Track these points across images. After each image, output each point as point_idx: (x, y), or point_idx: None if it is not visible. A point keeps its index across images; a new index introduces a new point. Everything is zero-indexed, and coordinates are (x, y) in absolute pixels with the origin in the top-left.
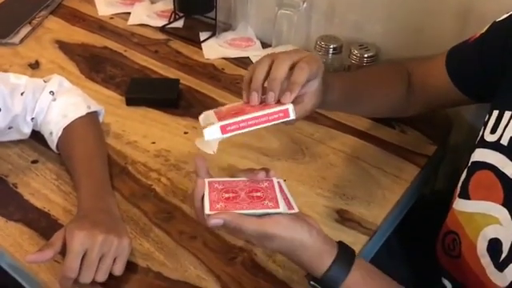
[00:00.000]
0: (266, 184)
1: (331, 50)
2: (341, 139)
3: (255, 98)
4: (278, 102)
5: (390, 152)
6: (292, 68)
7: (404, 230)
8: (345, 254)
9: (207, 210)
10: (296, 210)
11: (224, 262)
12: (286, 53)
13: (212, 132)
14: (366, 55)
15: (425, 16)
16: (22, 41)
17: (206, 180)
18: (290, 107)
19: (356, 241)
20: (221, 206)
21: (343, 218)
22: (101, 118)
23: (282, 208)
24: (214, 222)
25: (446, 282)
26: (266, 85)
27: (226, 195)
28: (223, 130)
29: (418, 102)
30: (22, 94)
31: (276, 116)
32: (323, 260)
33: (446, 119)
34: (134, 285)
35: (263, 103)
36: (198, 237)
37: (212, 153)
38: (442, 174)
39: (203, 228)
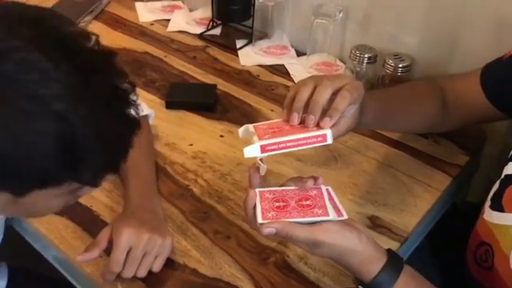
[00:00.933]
0: (314, 192)
1: (366, 60)
2: (373, 147)
3: (295, 118)
4: (317, 126)
5: (423, 161)
6: (335, 93)
7: (435, 238)
8: (394, 261)
9: (260, 220)
10: (345, 217)
11: (257, 261)
12: (330, 78)
13: (252, 150)
14: (400, 65)
15: (461, 27)
16: None
17: (257, 190)
18: (329, 133)
19: (387, 247)
20: (272, 215)
21: (374, 224)
22: (151, 121)
23: (332, 215)
24: (268, 231)
25: None
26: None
27: (277, 204)
28: (263, 149)
29: (452, 118)
30: None
31: (314, 140)
32: (373, 266)
33: (480, 131)
34: (172, 280)
35: (302, 124)
36: (233, 237)
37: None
38: (475, 185)
39: (237, 228)
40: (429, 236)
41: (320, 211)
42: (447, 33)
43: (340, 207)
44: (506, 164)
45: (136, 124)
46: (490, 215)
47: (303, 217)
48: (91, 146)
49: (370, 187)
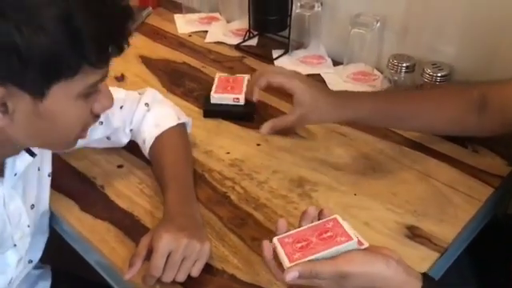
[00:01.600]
0: (331, 224)
1: (404, 69)
2: (411, 156)
3: None
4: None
5: (463, 171)
6: None
7: (475, 250)
8: (430, 285)
9: (287, 264)
10: (366, 245)
11: None
12: None
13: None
14: (439, 74)
15: (500, 36)
16: None
17: (275, 238)
18: (354, 241)
19: (426, 257)
20: (298, 256)
21: (414, 234)
22: (188, 129)
23: (355, 239)
24: (290, 276)
25: None
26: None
27: (299, 245)
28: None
29: (493, 123)
30: (120, 107)
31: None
32: None
33: None
34: (210, 285)
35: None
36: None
37: None
38: None
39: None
40: (469, 249)
41: (343, 238)
42: (486, 42)
43: (358, 236)
44: None
45: (129, 9)
46: None
47: (329, 248)
48: (90, 22)
49: (409, 197)
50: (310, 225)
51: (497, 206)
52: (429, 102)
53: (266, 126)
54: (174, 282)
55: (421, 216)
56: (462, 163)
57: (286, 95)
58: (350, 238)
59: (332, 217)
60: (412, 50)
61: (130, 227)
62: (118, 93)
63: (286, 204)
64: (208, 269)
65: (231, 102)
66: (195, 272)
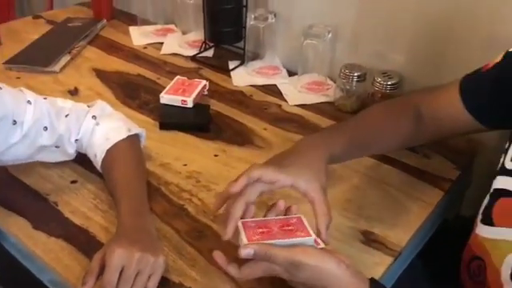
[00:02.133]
0: (295, 220)
1: (355, 78)
2: (365, 163)
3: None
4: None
5: (414, 176)
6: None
7: (428, 253)
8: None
9: (245, 241)
10: (322, 245)
11: (254, 280)
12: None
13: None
14: (389, 83)
15: (447, 44)
16: (62, 69)
17: (240, 221)
18: (312, 239)
19: (381, 261)
20: (257, 238)
21: (368, 239)
22: (142, 140)
23: (313, 236)
24: (245, 252)
25: None
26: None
27: (260, 230)
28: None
29: (428, 131)
30: (66, 115)
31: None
32: None
33: (470, 145)
34: None
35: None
36: (229, 255)
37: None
38: (468, 200)
39: (233, 247)
40: (422, 252)
41: (302, 233)
42: (434, 50)
43: (317, 238)
44: (495, 178)
45: None
46: (481, 230)
47: (287, 238)
48: None
49: (363, 202)
50: (275, 217)
51: (449, 209)
52: (385, 124)
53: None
54: None
55: (374, 221)
56: (413, 168)
57: (242, 105)
58: (308, 235)
59: (297, 215)
60: (363, 60)
61: (85, 244)
62: (65, 102)
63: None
64: (165, 282)
65: (180, 105)
66: (151, 286)
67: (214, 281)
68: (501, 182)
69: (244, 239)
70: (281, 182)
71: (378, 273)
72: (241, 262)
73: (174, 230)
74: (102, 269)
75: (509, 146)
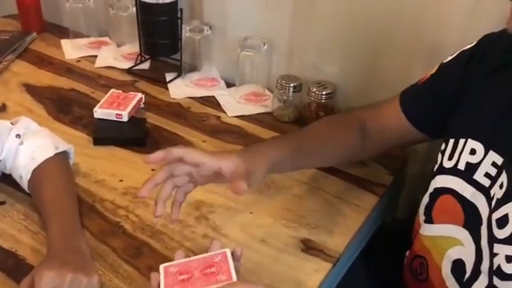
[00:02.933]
0: (219, 258)
1: (291, 89)
2: (303, 171)
3: None
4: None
5: (350, 182)
6: None
7: (368, 257)
8: None
9: None
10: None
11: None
12: None
13: None
14: (324, 92)
15: (377, 57)
16: None
17: (162, 266)
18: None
19: (320, 268)
20: None
21: (307, 246)
22: (72, 156)
23: (235, 279)
24: None
25: None
26: None
27: (181, 277)
28: None
29: (374, 146)
30: None
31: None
32: None
33: (402, 151)
34: None
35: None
36: None
37: None
38: (403, 203)
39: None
40: (362, 256)
41: (224, 277)
42: (365, 61)
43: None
44: (433, 178)
45: None
46: (422, 228)
47: (207, 285)
48: None
49: (302, 210)
50: (201, 256)
51: (384, 213)
52: (329, 136)
53: None
54: None
55: (313, 228)
56: (349, 175)
57: (180, 117)
58: (229, 279)
59: (223, 250)
60: (298, 71)
61: (14, 268)
62: None
63: (183, 228)
64: None
65: (114, 119)
66: None
67: None
68: (440, 181)
69: None
70: (205, 164)
71: (318, 279)
72: None
73: (110, 249)
74: None
75: (445, 147)
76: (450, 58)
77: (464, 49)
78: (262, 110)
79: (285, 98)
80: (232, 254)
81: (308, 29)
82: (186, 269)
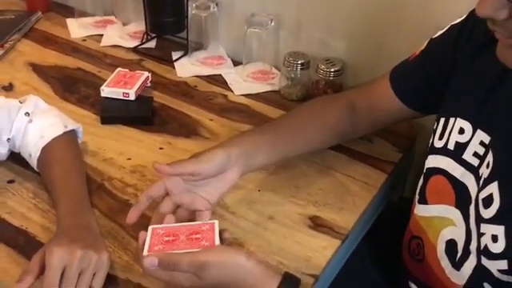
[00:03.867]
0: (206, 227)
1: (299, 66)
2: None
3: None
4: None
5: (359, 160)
6: None
7: (374, 236)
8: (290, 279)
9: (145, 252)
10: None
11: None
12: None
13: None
14: (332, 69)
15: (385, 32)
16: None
17: (151, 226)
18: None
19: (329, 245)
20: (159, 248)
21: (316, 224)
22: (80, 136)
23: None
24: (149, 261)
25: (413, 286)
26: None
27: (166, 238)
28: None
29: (365, 124)
30: None
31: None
32: (268, 284)
33: (411, 128)
34: None
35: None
36: None
37: None
38: (411, 182)
39: None
40: (368, 235)
41: (207, 243)
42: (373, 37)
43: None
44: (426, 158)
45: None
46: (417, 209)
47: (190, 248)
48: None
49: (310, 189)
50: (190, 223)
51: (392, 191)
52: (308, 118)
53: None
54: None
55: (321, 206)
56: (357, 153)
57: (186, 96)
58: (212, 245)
59: (211, 221)
60: (306, 47)
61: (25, 246)
62: None
63: None
64: (111, 280)
65: (121, 97)
66: (96, 285)
67: None
68: (431, 161)
69: (145, 250)
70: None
71: (325, 257)
72: None
73: (119, 226)
74: (43, 270)
75: (437, 127)
76: (439, 32)
77: (454, 23)
78: (269, 88)
79: (292, 75)
80: (220, 233)
81: (315, 4)
82: (172, 232)
